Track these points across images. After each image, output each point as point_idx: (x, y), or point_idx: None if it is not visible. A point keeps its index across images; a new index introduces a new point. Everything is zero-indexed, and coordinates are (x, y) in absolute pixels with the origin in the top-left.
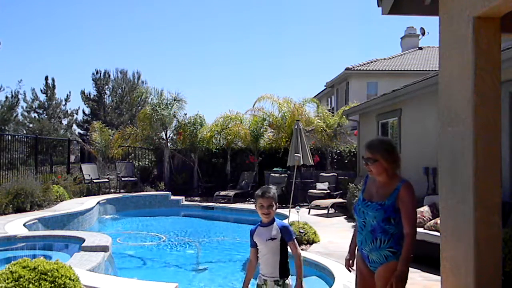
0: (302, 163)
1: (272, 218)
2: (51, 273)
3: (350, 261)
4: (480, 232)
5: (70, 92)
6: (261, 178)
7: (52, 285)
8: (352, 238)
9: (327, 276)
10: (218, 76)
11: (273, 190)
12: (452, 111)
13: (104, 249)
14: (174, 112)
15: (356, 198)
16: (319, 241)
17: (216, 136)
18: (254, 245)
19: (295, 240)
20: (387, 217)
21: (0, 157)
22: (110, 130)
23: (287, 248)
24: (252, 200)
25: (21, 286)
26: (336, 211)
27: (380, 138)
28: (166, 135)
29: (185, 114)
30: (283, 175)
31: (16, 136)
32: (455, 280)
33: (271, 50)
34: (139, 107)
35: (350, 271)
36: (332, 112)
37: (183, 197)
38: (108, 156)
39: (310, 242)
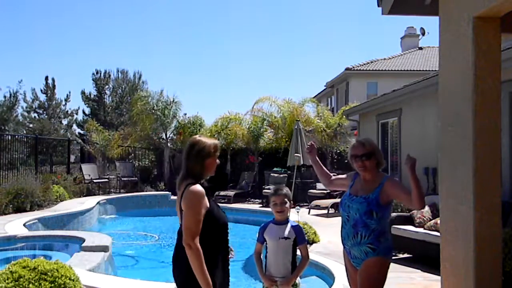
0: (302, 163)
1: (286, 216)
2: (51, 273)
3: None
4: (480, 232)
5: (70, 92)
6: (261, 178)
7: (52, 285)
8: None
9: (327, 276)
10: (218, 76)
11: (286, 188)
12: (452, 111)
13: (104, 249)
14: (174, 112)
15: None
16: (319, 241)
17: (215, 136)
18: (262, 240)
19: (306, 243)
20: (370, 210)
21: (0, 157)
22: (108, 130)
23: (297, 249)
24: (252, 200)
25: (21, 286)
26: (336, 211)
27: (366, 138)
28: (166, 135)
29: (185, 114)
30: (283, 175)
31: (16, 136)
32: (455, 280)
33: (271, 50)
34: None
35: None
36: (332, 112)
37: None
38: (108, 156)
39: (310, 242)
